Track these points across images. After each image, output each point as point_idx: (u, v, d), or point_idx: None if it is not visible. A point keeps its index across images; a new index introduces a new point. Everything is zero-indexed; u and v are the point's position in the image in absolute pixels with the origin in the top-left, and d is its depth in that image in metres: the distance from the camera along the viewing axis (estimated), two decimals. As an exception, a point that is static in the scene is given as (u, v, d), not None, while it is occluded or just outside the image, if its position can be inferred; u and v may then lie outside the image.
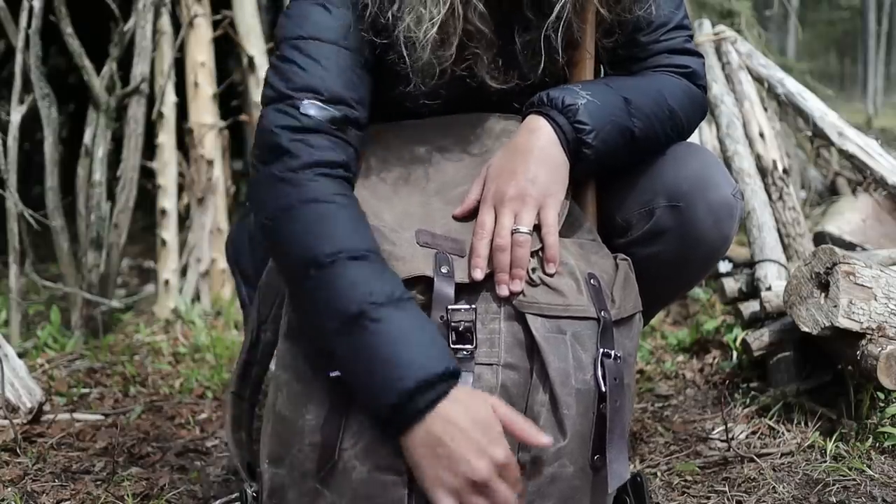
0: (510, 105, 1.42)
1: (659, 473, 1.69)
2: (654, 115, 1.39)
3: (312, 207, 1.21)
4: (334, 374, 1.20)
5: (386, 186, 1.34)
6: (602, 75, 1.50)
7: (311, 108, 1.25)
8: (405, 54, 1.29)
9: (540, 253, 1.28)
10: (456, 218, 1.31)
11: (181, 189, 3.36)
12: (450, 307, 1.21)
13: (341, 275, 1.16)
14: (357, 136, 1.31)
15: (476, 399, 1.14)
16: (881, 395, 1.79)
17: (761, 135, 2.74)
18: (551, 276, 1.26)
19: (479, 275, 1.24)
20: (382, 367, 1.12)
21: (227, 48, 3.55)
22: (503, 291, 1.24)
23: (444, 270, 1.23)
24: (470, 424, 1.11)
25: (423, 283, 1.23)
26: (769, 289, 2.25)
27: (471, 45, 1.32)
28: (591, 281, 1.28)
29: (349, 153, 1.28)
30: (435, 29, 1.26)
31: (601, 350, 1.24)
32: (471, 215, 1.31)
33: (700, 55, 1.51)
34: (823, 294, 1.78)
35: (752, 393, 2.05)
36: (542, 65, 1.36)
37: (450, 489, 1.11)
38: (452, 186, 1.35)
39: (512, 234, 1.25)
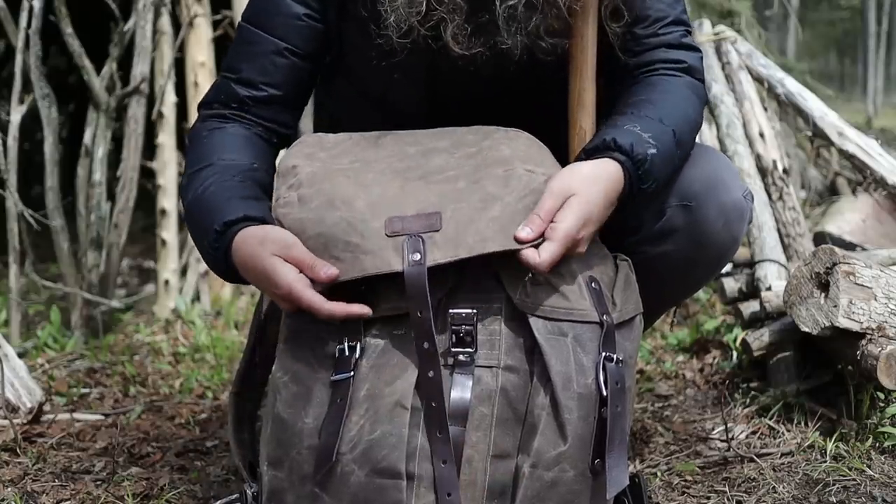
0: (476, 76, 1.39)
1: (659, 473, 1.69)
2: (690, 138, 1.41)
3: (192, 138, 1.47)
4: (334, 377, 1.20)
5: (368, 177, 1.29)
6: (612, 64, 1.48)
7: (224, 86, 1.47)
8: (383, 3, 1.33)
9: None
10: (520, 241, 1.20)
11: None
12: (451, 311, 1.20)
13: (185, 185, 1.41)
14: (265, 110, 1.46)
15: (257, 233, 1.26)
16: (881, 395, 1.79)
17: (761, 135, 2.74)
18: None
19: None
20: (202, 229, 1.32)
21: (227, 48, 3.55)
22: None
23: (415, 258, 1.18)
24: (252, 259, 1.24)
25: (398, 277, 1.19)
26: (769, 289, 2.25)
27: (439, 9, 1.32)
28: (592, 284, 1.27)
29: (242, 124, 1.46)
30: None
31: (603, 354, 1.23)
32: (454, 189, 1.26)
33: (698, 50, 1.50)
34: (823, 294, 1.78)
35: (752, 393, 2.04)
36: (532, 39, 1.34)
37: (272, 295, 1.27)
38: (438, 173, 1.29)
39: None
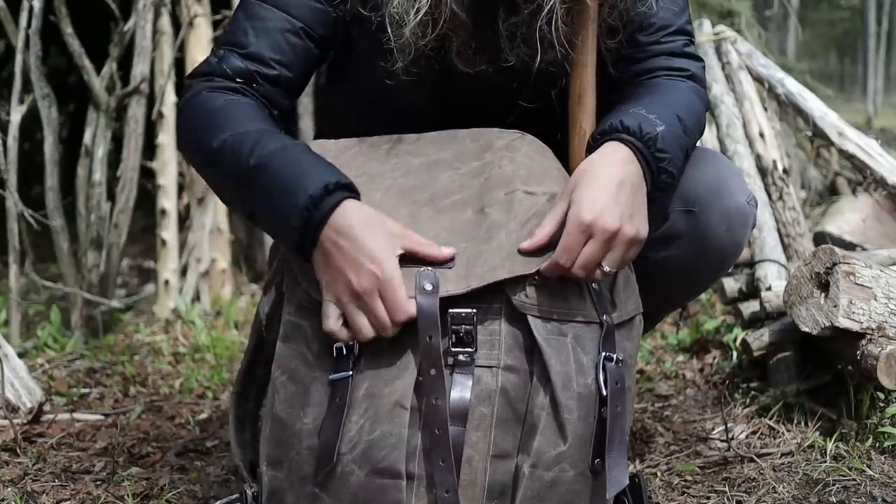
0: (484, 87, 1.39)
1: (659, 473, 1.69)
2: (697, 129, 1.40)
3: (199, 106, 1.33)
4: (333, 376, 1.20)
5: (375, 197, 1.30)
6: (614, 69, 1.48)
7: (227, 59, 1.35)
8: (390, 31, 1.30)
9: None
10: (522, 252, 1.22)
11: (181, 189, 3.36)
12: (451, 311, 1.20)
13: (230, 147, 1.26)
14: (270, 91, 1.36)
15: (371, 211, 1.21)
16: (881, 395, 1.79)
17: (761, 135, 2.74)
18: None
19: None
20: (283, 196, 1.20)
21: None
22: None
23: (428, 288, 1.19)
24: (363, 230, 1.18)
25: None
26: (769, 289, 2.25)
27: (444, 27, 1.30)
28: (592, 284, 1.27)
29: (254, 99, 1.36)
30: (422, 12, 1.28)
31: (603, 354, 1.23)
32: (463, 222, 1.27)
33: (700, 59, 1.50)
34: (823, 294, 1.78)
35: (752, 393, 2.05)
36: (534, 54, 1.32)
37: (336, 300, 1.19)
38: (445, 196, 1.30)
39: (601, 272, 1.23)
